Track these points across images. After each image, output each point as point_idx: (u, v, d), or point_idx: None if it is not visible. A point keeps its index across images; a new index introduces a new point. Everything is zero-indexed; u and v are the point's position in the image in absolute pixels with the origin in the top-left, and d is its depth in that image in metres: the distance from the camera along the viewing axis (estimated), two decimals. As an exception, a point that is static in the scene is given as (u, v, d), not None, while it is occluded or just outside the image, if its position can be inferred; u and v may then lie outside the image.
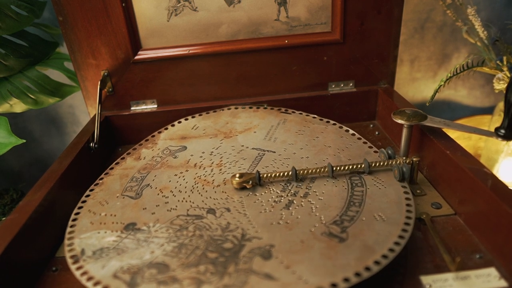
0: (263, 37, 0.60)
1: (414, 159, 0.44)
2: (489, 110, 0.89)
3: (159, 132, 0.57)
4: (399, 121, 0.45)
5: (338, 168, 0.44)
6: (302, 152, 0.49)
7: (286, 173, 0.44)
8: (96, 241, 0.39)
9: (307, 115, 0.56)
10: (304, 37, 0.60)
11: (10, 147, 0.47)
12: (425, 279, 0.33)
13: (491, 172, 0.38)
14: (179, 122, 0.58)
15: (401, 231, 0.35)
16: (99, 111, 0.57)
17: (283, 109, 0.58)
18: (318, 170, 0.44)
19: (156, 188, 0.46)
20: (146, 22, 0.57)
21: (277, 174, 0.44)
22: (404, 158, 0.44)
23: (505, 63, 0.64)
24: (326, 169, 0.44)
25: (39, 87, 0.61)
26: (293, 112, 0.58)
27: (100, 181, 0.48)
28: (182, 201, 0.43)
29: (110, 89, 0.61)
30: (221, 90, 0.63)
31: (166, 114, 0.62)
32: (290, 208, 0.39)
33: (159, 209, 0.42)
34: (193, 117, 0.59)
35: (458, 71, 0.61)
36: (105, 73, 0.60)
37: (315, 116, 0.56)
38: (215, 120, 0.58)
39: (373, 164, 0.44)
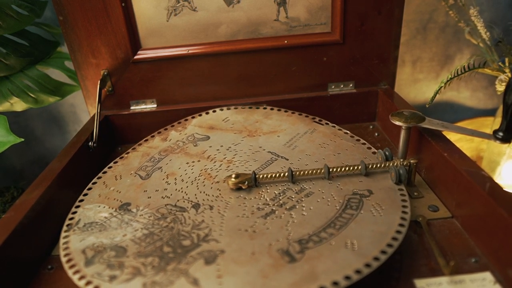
0: (263, 38, 0.60)
1: (411, 161, 0.44)
2: (492, 112, 0.88)
3: (193, 117, 0.58)
4: (397, 123, 0.45)
5: (334, 169, 0.43)
6: (315, 165, 0.47)
7: (282, 174, 0.44)
8: (93, 214, 0.41)
9: (339, 129, 0.53)
10: (303, 37, 0.60)
11: (8, 146, 0.48)
12: (419, 283, 0.33)
13: (488, 175, 0.37)
14: (214, 111, 0.59)
15: (363, 265, 0.31)
16: (99, 111, 0.57)
17: (317, 119, 0.56)
18: (315, 171, 0.43)
19: (164, 172, 0.48)
20: (145, 22, 0.58)
21: (274, 175, 0.44)
22: (401, 160, 0.44)
23: (507, 64, 0.64)
24: (323, 171, 0.43)
25: (40, 86, 0.61)
26: (326, 123, 0.55)
27: (126, 155, 0.51)
28: (179, 190, 0.44)
29: (110, 89, 0.61)
30: (221, 90, 0.63)
31: (165, 114, 0.62)
32: (267, 218, 0.38)
33: (156, 194, 0.44)
34: (228, 108, 0.60)
35: (459, 73, 0.60)
36: (105, 73, 0.60)
37: (348, 132, 0.52)
38: (247, 117, 0.58)
39: (370, 166, 0.43)
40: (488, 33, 0.67)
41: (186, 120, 0.58)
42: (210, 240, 0.36)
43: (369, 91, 0.63)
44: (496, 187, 0.35)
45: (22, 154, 0.88)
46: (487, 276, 0.33)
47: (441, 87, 0.59)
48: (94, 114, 0.59)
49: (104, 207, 0.42)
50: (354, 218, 0.37)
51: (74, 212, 0.42)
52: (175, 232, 0.38)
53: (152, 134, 0.55)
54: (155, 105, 0.63)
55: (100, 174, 0.48)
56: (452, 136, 0.83)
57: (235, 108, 0.60)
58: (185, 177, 0.47)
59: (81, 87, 0.61)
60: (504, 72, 0.64)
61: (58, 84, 0.64)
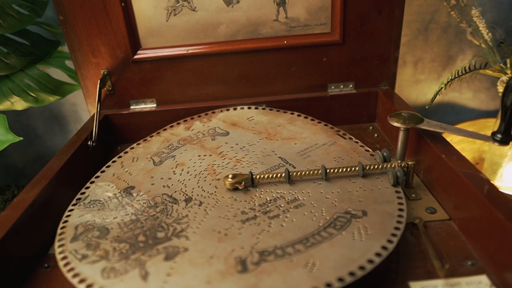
0: (262, 38, 0.60)
1: (409, 162, 0.44)
2: (494, 113, 0.87)
3: (220, 111, 0.59)
4: (395, 124, 0.44)
5: (331, 170, 0.43)
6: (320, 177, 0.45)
7: (279, 175, 0.44)
8: (101, 192, 0.43)
9: (361, 146, 0.50)
10: (303, 37, 0.60)
11: (7, 144, 0.48)
12: (415, 285, 0.33)
13: (486, 177, 0.37)
14: (242, 108, 0.59)
15: None
16: (98, 110, 0.58)
17: (341, 132, 0.53)
18: (312, 172, 0.43)
19: (175, 162, 0.49)
20: (145, 22, 0.58)
21: (271, 176, 0.44)
22: (399, 161, 0.44)
23: (508, 65, 0.63)
24: (320, 172, 0.43)
25: (40, 85, 0.61)
26: (350, 138, 0.51)
27: (149, 138, 0.53)
28: (181, 182, 0.45)
29: (110, 88, 0.62)
30: (220, 90, 0.63)
31: (165, 113, 0.62)
32: (246, 223, 0.38)
33: (160, 182, 0.45)
34: (256, 108, 0.60)
35: (460, 74, 0.60)
36: (105, 72, 0.60)
37: (369, 149, 0.49)
38: (271, 119, 0.57)
39: (367, 167, 0.43)
40: (490, 34, 0.66)
41: (214, 112, 0.59)
42: (182, 236, 0.36)
43: (369, 92, 0.63)
44: (494, 190, 0.35)
45: (24, 152, 0.89)
46: (483, 279, 0.33)
47: (441, 88, 0.59)
48: (94, 114, 0.59)
49: (112, 186, 0.44)
50: (331, 239, 0.35)
51: (87, 187, 0.45)
52: (157, 222, 0.39)
53: (178, 121, 0.57)
54: (155, 105, 0.63)
55: (121, 154, 0.51)
56: (454, 137, 0.83)
57: (263, 109, 0.59)
58: (191, 169, 0.47)
59: (81, 86, 0.61)
60: (505, 73, 0.64)
61: (58, 83, 0.64)
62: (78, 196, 0.43)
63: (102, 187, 0.44)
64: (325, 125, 0.55)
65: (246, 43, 0.60)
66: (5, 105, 0.59)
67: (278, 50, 0.60)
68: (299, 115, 0.58)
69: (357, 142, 0.51)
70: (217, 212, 0.40)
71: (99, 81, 0.59)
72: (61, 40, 0.70)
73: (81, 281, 0.32)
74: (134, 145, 0.53)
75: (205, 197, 0.42)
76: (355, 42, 0.60)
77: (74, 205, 0.42)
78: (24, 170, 0.91)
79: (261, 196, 0.42)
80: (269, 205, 0.40)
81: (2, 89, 0.58)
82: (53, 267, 0.39)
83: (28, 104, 0.61)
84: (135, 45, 0.59)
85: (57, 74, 0.69)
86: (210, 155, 0.50)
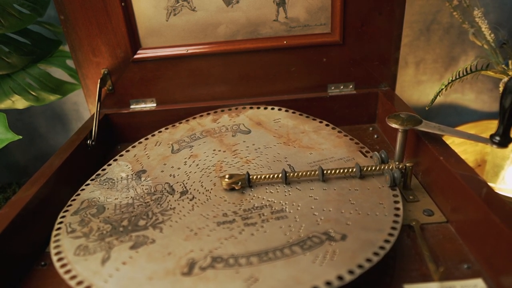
0: (262, 38, 0.60)
1: (407, 164, 0.43)
2: (497, 115, 0.86)
3: (251, 107, 0.59)
4: (393, 125, 0.44)
5: (328, 171, 0.43)
6: (322, 192, 0.42)
7: (276, 175, 0.43)
8: (118, 171, 0.46)
9: None
10: (303, 38, 0.60)
11: (7, 143, 0.48)
12: (409, 288, 0.33)
13: (483, 180, 0.37)
14: (272, 109, 0.59)
15: None
16: (98, 109, 0.58)
17: (365, 149, 0.49)
18: (308, 172, 0.43)
19: (191, 152, 0.50)
20: (145, 22, 0.58)
21: (268, 176, 0.43)
22: (397, 163, 0.44)
23: (511, 67, 0.63)
24: (317, 172, 0.43)
25: (41, 84, 0.62)
26: (371, 157, 0.47)
27: (178, 124, 0.55)
28: (186, 173, 0.46)
29: (110, 87, 0.62)
30: (220, 90, 0.63)
31: (165, 113, 0.63)
32: (220, 226, 0.37)
33: (169, 170, 0.46)
34: (286, 111, 0.58)
35: (461, 75, 0.59)
36: (105, 72, 0.60)
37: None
38: (297, 125, 0.55)
39: (364, 169, 0.43)
40: (492, 35, 0.66)
41: (244, 108, 0.59)
42: (157, 227, 0.37)
43: (369, 93, 0.62)
44: (491, 193, 0.35)
45: (26, 150, 0.89)
46: (479, 283, 0.33)
47: (442, 89, 0.58)
48: (94, 113, 0.59)
49: (129, 167, 0.46)
50: (291, 257, 0.33)
51: (110, 164, 0.47)
52: (146, 210, 0.39)
53: (208, 112, 0.58)
54: (155, 105, 0.64)
55: (148, 136, 0.53)
56: (456, 139, 0.82)
57: (293, 113, 0.57)
58: (201, 162, 0.48)
59: (82, 85, 0.62)
60: (508, 75, 0.63)
61: (59, 82, 0.65)
62: (99, 171, 0.46)
63: (120, 166, 0.46)
64: (351, 139, 0.51)
65: (246, 43, 0.60)
66: (6, 104, 0.59)
67: (278, 50, 0.60)
68: (327, 125, 0.55)
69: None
70: (202, 209, 0.40)
71: (99, 80, 0.59)
72: (62, 39, 0.71)
73: (57, 253, 0.34)
74: (163, 129, 0.55)
75: (200, 192, 0.43)
76: (355, 42, 0.60)
77: (92, 180, 0.44)
78: (26, 168, 0.92)
79: (251, 201, 0.41)
80: (253, 211, 0.39)
81: (3, 88, 0.59)
82: (49, 265, 0.39)
83: (29, 103, 0.61)
84: (135, 44, 0.59)
85: (58, 73, 0.69)
86: (224, 151, 0.50)
